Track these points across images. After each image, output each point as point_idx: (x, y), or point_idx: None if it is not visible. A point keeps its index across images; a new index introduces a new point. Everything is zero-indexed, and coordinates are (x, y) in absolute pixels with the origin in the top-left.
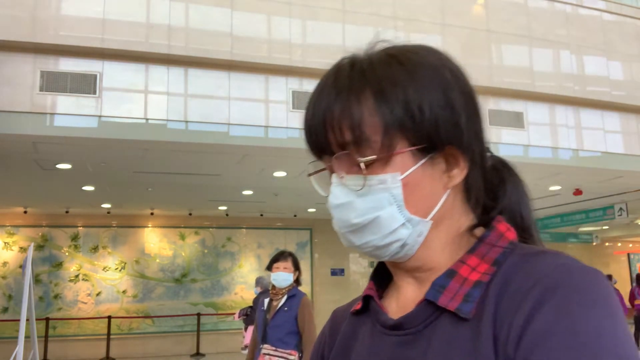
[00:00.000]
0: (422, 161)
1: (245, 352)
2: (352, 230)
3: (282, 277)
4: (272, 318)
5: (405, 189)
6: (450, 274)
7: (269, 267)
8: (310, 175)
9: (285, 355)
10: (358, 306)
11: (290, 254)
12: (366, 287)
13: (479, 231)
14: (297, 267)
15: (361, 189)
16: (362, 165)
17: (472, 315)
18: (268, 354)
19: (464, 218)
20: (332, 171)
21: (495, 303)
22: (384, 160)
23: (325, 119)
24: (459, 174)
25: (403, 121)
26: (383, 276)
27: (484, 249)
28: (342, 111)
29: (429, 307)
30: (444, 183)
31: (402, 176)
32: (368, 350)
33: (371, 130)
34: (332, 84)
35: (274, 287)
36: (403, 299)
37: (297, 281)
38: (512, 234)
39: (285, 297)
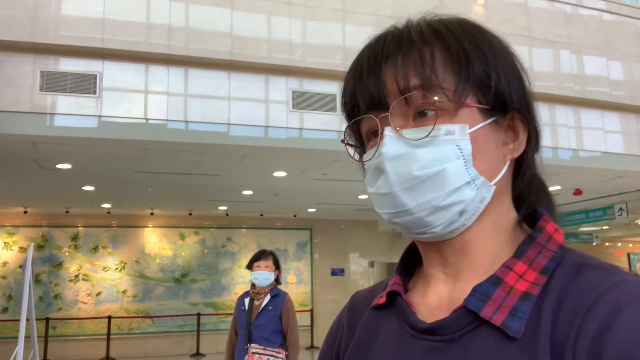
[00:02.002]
0: (490, 120)
1: None
2: (410, 186)
3: (263, 276)
4: (256, 318)
5: (473, 144)
6: (496, 281)
7: (250, 266)
8: (346, 143)
9: (274, 353)
10: (381, 300)
11: (271, 253)
12: (391, 280)
13: (526, 229)
14: (277, 266)
15: (426, 136)
16: (430, 111)
17: (520, 334)
18: (257, 353)
19: (511, 206)
20: (380, 127)
21: (552, 324)
22: (452, 110)
23: (387, 68)
24: (517, 147)
25: (478, 76)
26: (407, 266)
27: (532, 254)
28: (411, 59)
29: (468, 315)
30: (503, 154)
31: (471, 130)
32: (394, 351)
33: (444, 77)
34: (393, 38)
35: (254, 286)
36: (434, 297)
37: (278, 280)
38: (560, 236)
39: (268, 297)
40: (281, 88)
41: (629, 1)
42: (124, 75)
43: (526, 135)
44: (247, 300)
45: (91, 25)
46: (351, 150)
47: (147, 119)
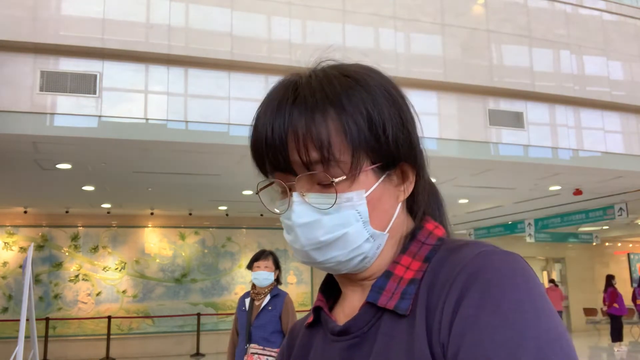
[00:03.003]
0: (382, 178)
1: None
2: (317, 247)
3: (263, 276)
4: (256, 318)
5: (368, 205)
6: (387, 275)
7: (250, 266)
8: (260, 190)
9: (273, 354)
10: (310, 319)
11: (271, 253)
12: (316, 299)
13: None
14: (277, 266)
15: (331, 207)
16: (333, 184)
17: (409, 311)
18: (256, 353)
19: (406, 224)
20: (287, 189)
21: (427, 296)
22: (351, 178)
23: (287, 137)
24: (409, 186)
25: (368, 140)
26: (332, 288)
27: (415, 248)
28: (308, 130)
29: (371, 309)
30: (396, 196)
31: (367, 193)
32: (320, 358)
33: (339, 150)
34: (291, 100)
35: (254, 286)
36: (350, 307)
37: (278, 280)
38: (440, 231)
39: (268, 297)
40: None
41: (629, 1)
42: (124, 75)
43: (414, 174)
44: (247, 301)
45: (91, 25)
46: (266, 199)
47: (147, 119)
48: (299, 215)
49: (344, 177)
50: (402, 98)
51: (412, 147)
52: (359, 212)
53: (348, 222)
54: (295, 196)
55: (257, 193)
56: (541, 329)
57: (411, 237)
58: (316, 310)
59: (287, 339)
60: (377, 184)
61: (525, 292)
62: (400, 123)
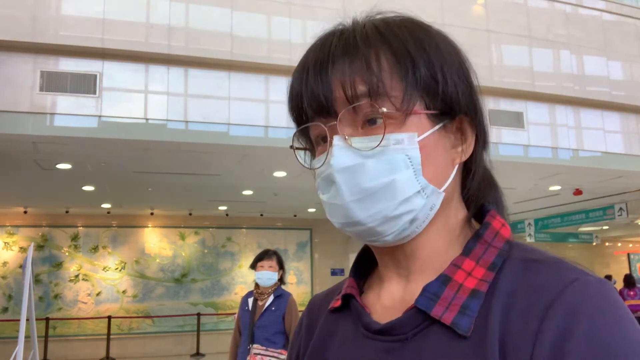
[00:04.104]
0: (438, 126)
1: None
2: (360, 198)
3: (266, 276)
4: (259, 318)
5: (421, 152)
6: (445, 280)
7: (253, 266)
8: (295, 147)
9: (276, 354)
10: (337, 304)
11: (275, 253)
12: (345, 284)
13: (474, 226)
14: (281, 266)
15: (375, 147)
16: (379, 119)
17: (470, 332)
18: (259, 354)
19: (460, 205)
20: (327, 134)
21: (501, 319)
22: (400, 118)
23: (331, 71)
24: (466, 149)
25: (424, 79)
26: (362, 268)
27: (479, 250)
28: (358, 65)
29: (420, 315)
30: (452, 158)
31: (420, 137)
32: (350, 352)
33: (391, 84)
34: (337, 37)
35: (257, 286)
36: (389, 298)
37: (282, 280)
38: (507, 231)
39: (272, 297)
40: (281, 88)
41: (629, 1)
42: (124, 75)
43: (474, 136)
44: (250, 300)
45: (91, 25)
46: (301, 156)
47: (147, 119)
48: (339, 159)
49: (395, 110)
50: (466, 58)
51: (473, 100)
52: (409, 158)
53: (397, 168)
54: (337, 139)
55: (291, 147)
56: None
57: (475, 236)
58: (346, 297)
59: (307, 317)
60: (431, 130)
61: (629, 327)
62: (463, 74)
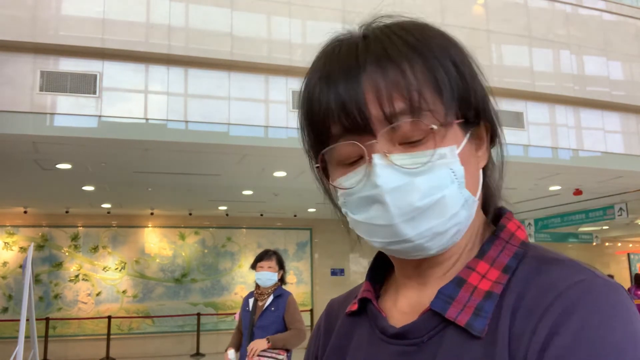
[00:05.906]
0: (468, 134)
1: None
2: (411, 217)
3: (266, 276)
4: (259, 318)
5: (462, 164)
6: (459, 282)
7: (254, 266)
8: (321, 167)
9: (274, 355)
10: (354, 307)
11: (275, 253)
12: (362, 288)
13: (490, 227)
14: (281, 266)
15: (424, 165)
16: (421, 140)
17: (484, 333)
18: (259, 355)
19: (479, 209)
20: (366, 152)
21: (510, 321)
22: (442, 132)
23: (366, 87)
24: (484, 154)
25: (459, 92)
26: (378, 272)
27: (494, 253)
28: (392, 78)
29: (435, 317)
30: (478, 163)
31: (459, 149)
32: (366, 356)
33: (430, 98)
34: (362, 50)
35: (258, 286)
36: (406, 303)
37: (282, 280)
38: (522, 233)
39: (271, 297)
40: (281, 88)
41: (629, 1)
42: (124, 75)
43: (488, 138)
44: (251, 301)
45: (91, 25)
46: (322, 180)
47: (147, 119)
48: (386, 179)
49: (439, 125)
50: (470, 54)
51: (488, 105)
52: (453, 172)
53: (444, 184)
54: (378, 158)
55: (316, 165)
56: None
57: (490, 238)
58: (362, 300)
59: (325, 320)
60: (465, 139)
61: (626, 334)
62: (476, 75)
